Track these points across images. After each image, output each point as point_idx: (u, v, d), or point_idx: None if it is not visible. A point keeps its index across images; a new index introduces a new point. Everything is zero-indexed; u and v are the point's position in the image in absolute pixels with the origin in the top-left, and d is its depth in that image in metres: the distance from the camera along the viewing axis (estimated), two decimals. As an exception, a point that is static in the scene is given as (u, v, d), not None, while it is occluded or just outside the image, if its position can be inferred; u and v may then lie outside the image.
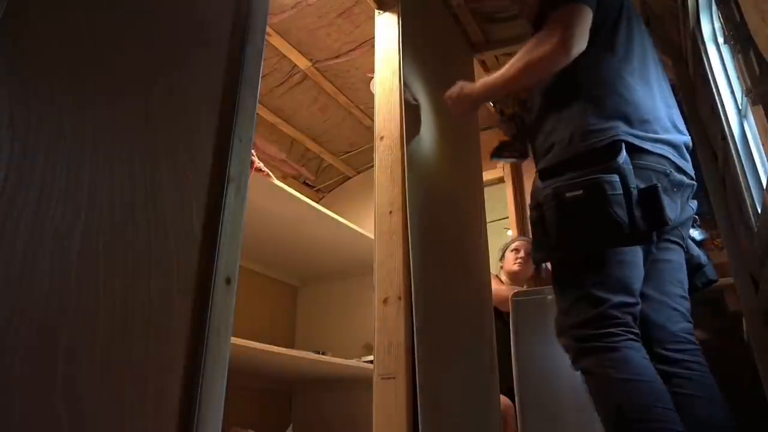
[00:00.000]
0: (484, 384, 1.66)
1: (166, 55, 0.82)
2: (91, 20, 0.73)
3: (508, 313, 2.16)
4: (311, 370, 2.05)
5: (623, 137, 1.15)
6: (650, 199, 1.10)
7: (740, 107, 1.57)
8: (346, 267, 2.46)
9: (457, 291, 1.67)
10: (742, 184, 1.51)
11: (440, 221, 1.68)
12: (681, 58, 2.20)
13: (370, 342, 1.98)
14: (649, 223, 1.09)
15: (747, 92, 1.34)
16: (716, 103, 1.65)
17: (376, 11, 1.80)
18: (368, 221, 1.67)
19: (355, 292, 2.47)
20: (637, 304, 1.13)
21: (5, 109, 0.60)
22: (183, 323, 0.73)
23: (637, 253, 1.15)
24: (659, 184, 1.12)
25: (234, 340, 1.26)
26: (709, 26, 1.73)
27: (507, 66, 1.30)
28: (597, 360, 1.07)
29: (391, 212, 1.47)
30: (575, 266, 1.17)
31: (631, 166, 1.11)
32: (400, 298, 1.35)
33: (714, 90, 1.66)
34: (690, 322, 1.22)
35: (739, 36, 1.31)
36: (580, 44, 1.19)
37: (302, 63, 2.41)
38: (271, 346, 1.61)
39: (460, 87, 1.50)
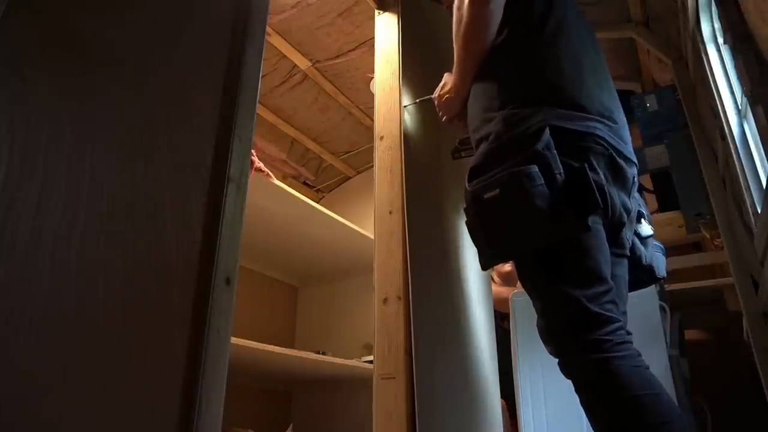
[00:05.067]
0: (484, 384, 1.66)
1: (166, 54, 0.82)
2: (91, 20, 0.73)
3: (505, 315, 2.16)
4: (311, 370, 2.05)
5: (550, 122, 1.06)
6: (578, 182, 1.01)
7: (740, 107, 1.57)
8: (346, 267, 2.46)
9: (457, 291, 1.67)
10: (742, 184, 1.51)
11: (440, 221, 1.68)
12: (681, 58, 2.20)
13: (370, 342, 1.98)
14: (579, 209, 1.00)
15: (747, 92, 1.34)
16: (716, 103, 1.65)
17: (376, 11, 1.80)
18: (368, 221, 1.67)
19: (355, 292, 2.47)
20: (611, 289, 1.04)
21: (5, 110, 0.60)
22: (183, 323, 0.73)
23: (598, 234, 1.05)
24: (595, 163, 1.04)
25: (234, 340, 1.26)
26: (709, 26, 1.73)
27: (455, 54, 1.27)
28: (585, 376, 1.00)
29: (391, 212, 1.47)
30: (532, 264, 1.08)
31: (554, 152, 1.02)
32: (399, 298, 1.35)
33: (714, 90, 1.66)
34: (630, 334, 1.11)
35: (739, 36, 1.31)
36: None
37: (302, 63, 2.41)
38: (271, 346, 1.61)
39: (446, 84, 1.41)
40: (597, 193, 1.01)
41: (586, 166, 1.03)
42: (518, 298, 2.13)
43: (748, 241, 1.62)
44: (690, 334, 2.44)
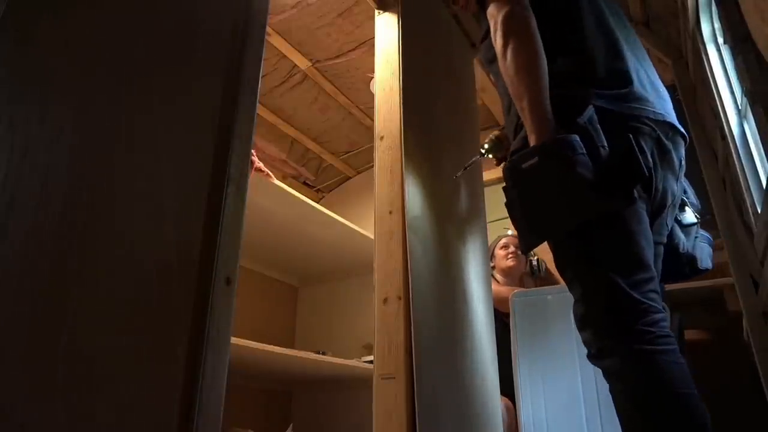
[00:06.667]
0: (484, 384, 1.66)
1: (167, 54, 0.82)
2: (91, 20, 0.73)
3: (508, 313, 2.16)
4: (311, 370, 2.05)
5: (594, 101, 1.03)
6: (623, 154, 0.97)
7: (740, 107, 1.57)
8: (346, 267, 2.46)
9: (457, 291, 1.67)
10: (742, 184, 1.51)
11: (440, 221, 1.68)
12: (681, 58, 2.20)
13: (370, 342, 1.98)
14: (624, 179, 0.95)
15: (747, 92, 1.34)
16: (716, 103, 1.65)
17: (376, 11, 1.80)
18: (368, 221, 1.67)
19: (355, 292, 2.47)
20: (653, 277, 0.98)
21: (5, 110, 0.60)
22: (183, 323, 0.73)
23: (642, 218, 1.00)
24: (643, 144, 1.01)
25: (234, 340, 1.26)
26: (709, 26, 1.73)
27: (510, 83, 1.10)
28: (624, 365, 0.94)
29: (391, 212, 1.46)
30: (571, 247, 1.03)
31: (598, 127, 0.98)
32: (400, 298, 1.35)
33: (714, 90, 1.66)
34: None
35: (738, 36, 1.31)
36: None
37: (302, 63, 2.40)
38: (271, 346, 1.61)
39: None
40: (643, 164, 0.97)
41: (631, 138, 0.99)
42: (518, 298, 2.13)
43: (748, 241, 1.62)
44: (690, 334, 2.44)
